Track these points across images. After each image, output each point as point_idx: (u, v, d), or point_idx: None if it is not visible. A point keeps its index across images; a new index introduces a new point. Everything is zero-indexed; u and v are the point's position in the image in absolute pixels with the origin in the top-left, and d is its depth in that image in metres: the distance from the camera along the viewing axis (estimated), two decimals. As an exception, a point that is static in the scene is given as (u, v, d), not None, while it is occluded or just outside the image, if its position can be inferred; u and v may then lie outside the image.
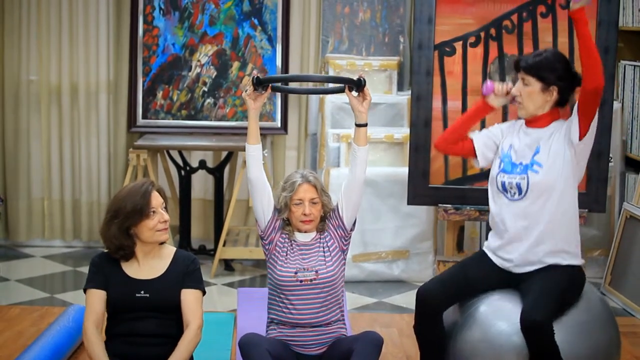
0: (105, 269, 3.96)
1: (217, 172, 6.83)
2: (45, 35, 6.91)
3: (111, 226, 3.91)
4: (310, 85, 6.59)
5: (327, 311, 4.12)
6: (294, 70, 6.95)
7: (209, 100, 6.78)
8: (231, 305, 5.67)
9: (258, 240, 6.40)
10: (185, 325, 3.93)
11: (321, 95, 6.75)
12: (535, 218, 4.07)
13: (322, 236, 4.18)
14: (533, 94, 4.09)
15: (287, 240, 4.15)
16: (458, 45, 5.48)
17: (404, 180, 5.73)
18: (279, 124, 6.78)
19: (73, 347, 4.81)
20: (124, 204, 3.90)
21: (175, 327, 3.95)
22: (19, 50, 6.92)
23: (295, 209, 4.10)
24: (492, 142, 4.29)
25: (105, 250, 3.99)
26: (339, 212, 4.16)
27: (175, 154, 6.81)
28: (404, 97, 6.72)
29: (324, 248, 4.15)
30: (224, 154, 6.84)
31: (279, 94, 6.77)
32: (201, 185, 7.13)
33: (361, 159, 4.10)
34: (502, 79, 5.43)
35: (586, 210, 5.37)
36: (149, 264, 3.99)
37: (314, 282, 4.07)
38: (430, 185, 5.51)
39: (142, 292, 3.92)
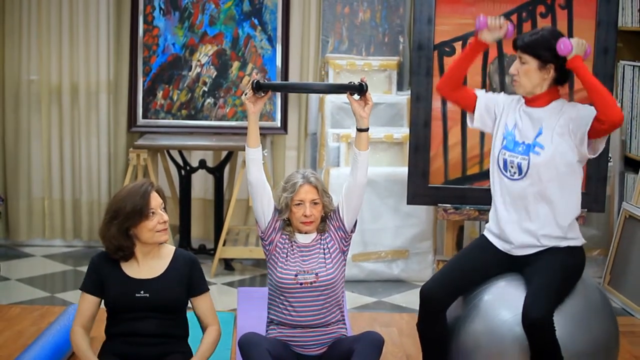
0: (104, 270, 3.97)
1: (217, 172, 6.84)
2: (45, 35, 6.92)
3: (110, 227, 3.91)
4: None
5: (327, 312, 4.12)
6: (293, 70, 6.96)
7: (209, 100, 6.79)
8: (231, 305, 5.68)
9: (258, 240, 6.41)
10: (203, 328, 4.02)
11: (321, 95, 6.75)
12: (534, 200, 4.06)
13: (322, 237, 4.17)
14: (530, 72, 4.07)
15: (287, 241, 4.15)
16: (458, 46, 5.49)
17: (403, 180, 5.74)
18: (278, 124, 6.79)
19: (73, 346, 4.82)
20: (123, 205, 3.90)
21: (175, 326, 3.96)
22: (19, 50, 6.93)
23: (295, 209, 4.10)
24: (492, 109, 4.26)
25: (104, 250, 4.01)
26: (339, 214, 4.16)
27: (175, 154, 6.82)
28: (404, 97, 6.73)
29: (324, 250, 4.15)
30: (224, 153, 6.85)
31: (278, 96, 6.78)
32: (201, 184, 7.14)
33: (362, 164, 4.09)
34: (502, 79, 5.44)
35: (585, 210, 5.38)
36: (149, 264, 3.99)
37: (314, 284, 4.07)
38: (429, 185, 5.52)
39: (142, 292, 3.92)
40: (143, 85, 6.77)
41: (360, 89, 4.04)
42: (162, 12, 6.75)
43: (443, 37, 5.48)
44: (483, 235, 4.27)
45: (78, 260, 6.82)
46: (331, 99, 6.67)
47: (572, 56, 3.97)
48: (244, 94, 4.06)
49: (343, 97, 6.72)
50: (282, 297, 4.10)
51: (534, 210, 4.08)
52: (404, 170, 5.75)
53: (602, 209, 5.53)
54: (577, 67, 3.97)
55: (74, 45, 6.95)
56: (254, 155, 4.07)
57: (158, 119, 6.81)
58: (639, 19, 6.21)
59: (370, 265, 6.40)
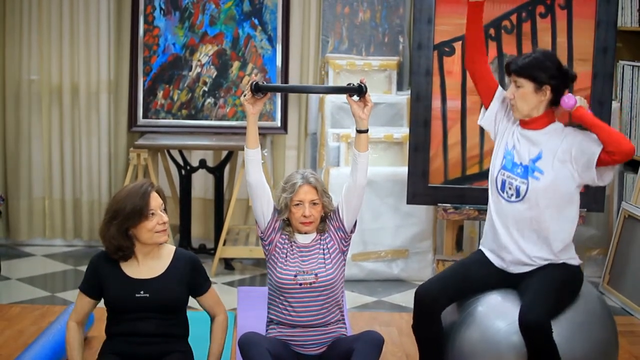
0: (104, 270, 3.97)
1: (217, 172, 6.85)
2: (46, 35, 6.93)
3: (110, 227, 3.92)
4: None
5: (327, 312, 4.12)
6: (294, 70, 6.96)
7: (209, 100, 6.80)
8: (231, 304, 5.68)
9: (258, 240, 6.41)
10: (211, 318, 4.08)
11: (321, 95, 6.76)
12: (530, 223, 4.08)
13: (322, 237, 4.17)
14: (526, 95, 4.09)
15: (287, 241, 4.15)
16: (457, 46, 5.49)
17: (403, 179, 5.75)
18: (278, 124, 6.80)
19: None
20: (123, 205, 3.90)
21: (175, 326, 3.97)
22: (20, 49, 6.94)
23: (295, 210, 4.09)
24: (502, 116, 4.28)
25: (105, 250, 4.02)
26: (339, 214, 4.16)
27: (175, 154, 6.83)
28: (404, 97, 6.74)
29: (323, 250, 4.15)
30: (224, 153, 6.86)
31: (278, 95, 6.79)
32: (201, 184, 7.15)
33: (362, 165, 4.09)
34: (502, 79, 5.45)
35: (585, 209, 5.39)
36: (149, 264, 4.00)
37: (313, 285, 4.08)
38: (429, 185, 5.53)
39: (142, 292, 3.93)
40: (143, 85, 6.78)
41: (359, 91, 4.04)
42: (162, 12, 6.76)
43: (443, 37, 5.49)
44: (480, 250, 4.29)
45: (78, 259, 6.83)
46: (331, 99, 6.67)
47: (576, 108, 4.03)
48: (242, 95, 4.05)
49: (343, 97, 6.73)
50: (281, 297, 4.11)
51: (529, 234, 4.10)
52: (404, 170, 5.76)
53: (601, 208, 5.54)
54: (583, 115, 4.02)
55: (74, 45, 6.96)
56: (253, 157, 4.07)
57: (158, 118, 6.82)
58: (638, 19, 6.22)
59: (370, 264, 6.41)
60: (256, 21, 6.78)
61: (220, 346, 4.05)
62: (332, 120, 6.68)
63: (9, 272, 6.47)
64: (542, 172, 4.06)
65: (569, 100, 4.06)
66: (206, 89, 6.80)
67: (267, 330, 4.19)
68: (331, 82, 6.79)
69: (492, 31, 5.46)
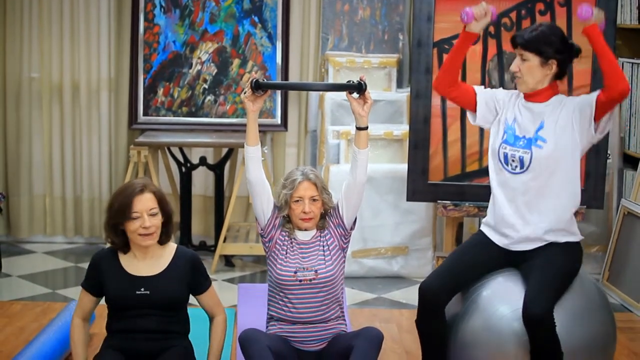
0: (105, 267, 3.98)
1: (217, 169, 6.86)
2: (46, 33, 6.94)
3: (106, 219, 3.98)
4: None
5: (327, 309, 4.13)
6: (293, 67, 6.97)
7: (210, 98, 6.81)
8: (231, 301, 5.69)
9: (258, 237, 6.42)
10: (210, 318, 4.08)
11: (321, 93, 6.77)
12: (536, 194, 4.07)
13: (322, 234, 4.18)
14: (532, 69, 4.08)
15: (287, 238, 4.16)
16: (457, 43, 5.50)
17: (403, 176, 5.76)
18: (278, 121, 6.81)
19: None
20: (114, 202, 3.95)
21: (175, 323, 3.98)
22: (20, 47, 6.95)
23: (295, 206, 4.10)
24: (493, 105, 4.27)
25: (107, 247, 4.03)
26: (339, 211, 4.16)
27: (176, 151, 6.84)
28: (403, 95, 6.75)
29: (323, 247, 4.15)
30: (225, 150, 6.87)
31: (278, 93, 6.80)
32: (202, 181, 7.15)
33: (362, 162, 4.10)
34: (501, 76, 5.46)
35: (584, 206, 5.40)
36: (150, 262, 4.01)
37: (313, 281, 4.09)
38: (429, 182, 5.54)
39: (143, 289, 3.94)
40: (144, 83, 6.79)
41: (359, 88, 4.04)
42: (162, 9, 6.77)
43: (442, 34, 5.49)
44: (481, 231, 4.28)
45: (79, 256, 6.84)
46: (331, 96, 6.68)
47: (591, 23, 3.96)
48: (243, 93, 4.06)
49: (343, 95, 6.73)
50: (281, 294, 4.12)
51: (536, 203, 4.08)
52: (404, 167, 5.76)
53: (600, 205, 5.55)
54: (594, 34, 3.95)
55: (74, 43, 6.97)
56: (253, 154, 4.07)
57: (159, 116, 6.83)
58: (637, 17, 6.23)
59: (370, 261, 6.42)
60: (256, 19, 6.79)
61: (220, 345, 4.06)
62: (332, 118, 6.69)
63: (10, 269, 6.49)
64: (544, 141, 4.05)
65: (586, 11, 3.96)
66: (206, 87, 6.81)
67: (267, 327, 4.20)
68: (331, 80, 6.81)
69: (491, 28, 5.47)
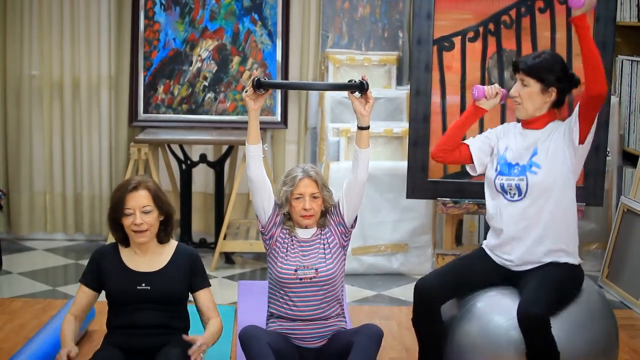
0: (106, 263, 4.01)
1: (217, 166, 6.87)
2: (47, 31, 6.95)
3: (107, 213, 4.04)
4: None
5: (327, 307, 4.14)
6: (293, 65, 6.98)
7: (210, 95, 6.82)
8: (232, 298, 5.70)
9: (258, 234, 6.44)
10: (204, 322, 4.03)
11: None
12: (535, 219, 4.09)
13: (322, 232, 4.18)
14: (533, 95, 4.11)
15: (287, 235, 4.17)
16: (457, 41, 5.51)
17: (403, 174, 5.76)
18: (279, 118, 6.81)
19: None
20: (112, 197, 4.02)
21: (175, 319, 3.99)
22: (21, 45, 6.96)
23: (295, 203, 4.10)
24: (487, 146, 4.31)
25: (107, 243, 4.05)
26: (339, 210, 4.17)
27: (176, 148, 6.85)
28: (403, 92, 6.75)
29: (324, 245, 4.16)
30: (225, 148, 6.87)
31: (278, 90, 6.80)
32: (202, 179, 7.16)
33: (363, 161, 4.10)
34: (501, 74, 5.46)
35: (584, 204, 5.40)
36: (150, 257, 4.03)
37: (313, 280, 4.09)
38: (429, 179, 5.54)
39: (143, 284, 3.96)
40: (144, 80, 6.80)
41: (361, 87, 4.03)
42: (162, 7, 6.78)
43: (442, 32, 5.50)
44: (482, 248, 4.31)
45: (79, 254, 6.85)
46: (331, 93, 6.68)
47: (581, 12, 3.94)
48: (244, 91, 4.05)
49: (343, 92, 6.75)
50: (282, 292, 4.12)
51: (535, 228, 4.11)
52: (404, 164, 5.77)
53: (600, 203, 5.55)
54: (582, 26, 3.93)
55: (75, 40, 6.98)
56: (254, 152, 4.07)
57: (159, 113, 6.84)
58: (637, 14, 6.23)
59: (369, 258, 6.43)
60: (256, 16, 6.79)
61: (213, 335, 3.97)
62: (332, 115, 6.70)
63: (10, 266, 6.50)
64: (539, 167, 4.08)
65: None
66: (206, 84, 6.82)
67: (267, 324, 4.20)
68: (331, 77, 6.81)
69: (491, 26, 5.47)
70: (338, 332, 4.15)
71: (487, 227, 4.40)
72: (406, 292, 6.08)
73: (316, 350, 4.13)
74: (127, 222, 3.93)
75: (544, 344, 3.87)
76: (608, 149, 5.82)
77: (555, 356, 3.89)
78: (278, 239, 4.17)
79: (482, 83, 5.40)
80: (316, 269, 4.09)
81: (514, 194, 4.13)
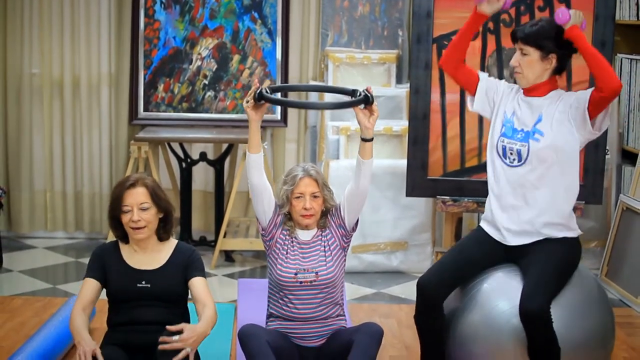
0: (106, 260, 4.03)
1: (217, 164, 6.87)
2: (47, 29, 6.95)
3: (108, 210, 4.07)
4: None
5: (327, 308, 4.14)
6: (293, 63, 6.98)
7: (210, 93, 6.83)
8: (231, 296, 5.71)
9: (258, 232, 6.44)
10: (201, 308, 3.96)
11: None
12: (533, 187, 4.07)
13: (323, 234, 4.18)
14: (532, 63, 4.09)
15: (287, 237, 4.16)
16: (456, 39, 5.51)
17: (402, 172, 5.78)
18: (278, 117, 6.82)
19: (75, 337, 4.86)
20: (111, 194, 4.06)
21: (175, 316, 4.00)
22: (21, 43, 6.96)
23: (296, 202, 4.10)
24: (492, 95, 4.28)
25: (107, 241, 4.06)
26: (341, 213, 4.16)
27: (176, 146, 6.85)
28: (403, 90, 6.76)
29: (324, 246, 4.15)
30: (225, 146, 6.88)
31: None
32: (202, 177, 7.17)
33: (366, 172, 4.07)
34: (500, 72, 5.47)
35: (583, 202, 5.42)
36: (150, 255, 4.05)
37: (313, 283, 4.09)
38: (428, 177, 5.55)
39: (144, 282, 3.98)
40: (144, 79, 6.80)
41: (365, 101, 3.99)
42: (163, 5, 6.78)
43: (442, 30, 5.51)
44: (480, 226, 4.30)
45: (80, 252, 6.86)
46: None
47: (569, 25, 3.98)
48: (245, 101, 4.01)
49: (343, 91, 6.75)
50: (281, 293, 4.12)
51: (533, 196, 4.09)
52: (403, 162, 5.78)
53: (599, 201, 5.56)
54: (576, 36, 3.98)
55: (75, 38, 6.98)
56: (255, 161, 4.05)
57: (159, 111, 6.84)
58: (636, 13, 6.24)
59: (369, 256, 6.44)
60: (256, 15, 6.80)
61: (207, 324, 3.91)
62: (332, 114, 6.70)
63: (11, 264, 6.51)
64: (542, 134, 4.06)
65: (563, 15, 3.98)
66: (206, 82, 6.82)
67: (266, 323, 4.21)
68: (331, 76, 6.81)
69: (490, 24, 5.48)
70: (338, 330, 4.15)
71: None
72: (406, 290, 6.09)
73: (316, 349, 4.14)
74: (125, 218, 3.96)
75: (545, 339, 3.88)
76: (607, 147, 5.83)
77: (555, 351, 3.91)
78: (278, 240, 4.16)
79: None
80: (316, 273, 4.09)
81: (514, 159, 4.12)
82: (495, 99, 4.28)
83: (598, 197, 5.51)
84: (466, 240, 4.33)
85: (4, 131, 7.07)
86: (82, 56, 6.99)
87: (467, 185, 5.52)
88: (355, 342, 3.93)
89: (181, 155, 6.83)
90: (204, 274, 4.08)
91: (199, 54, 6.80)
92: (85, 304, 3.99)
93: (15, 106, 7.01)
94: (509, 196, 4.14)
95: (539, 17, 4.36)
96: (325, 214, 4.20)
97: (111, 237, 4.33)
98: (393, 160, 6.43)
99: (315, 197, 4.11)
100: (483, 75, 4.34)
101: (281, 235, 4.16)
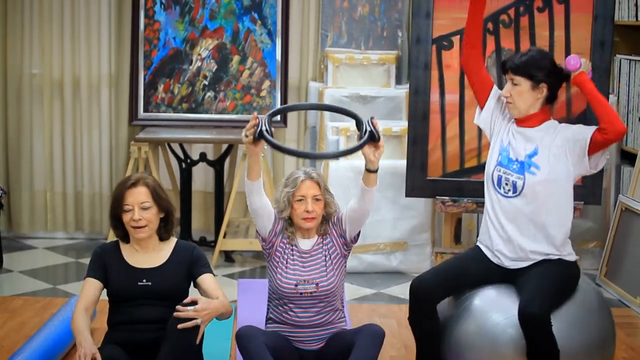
0: (107, 259, 4.04)
1: (217, 165, 6.88)
2: (47, 30, 6.96)
3: (109, 209, 4.09)
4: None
5: (327, 315, 4.14)
6: (293, 64, 6.99)
7: (210, 94, 6.83)
8: (231, 296, 5.70)
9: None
10: None
11: (320, 88, 6.78)
12: (529, 219, 4.12)
13: (324, 241, 4.16)
14: (524, 93, 4.14)
15: (287, 245, 4.13)
16: (456, 40, 5.50)
17: (402, 172, 5.78)
18: (278, 117, 6.82)
19: (75, 337, 4.87)
20: (113, 193, 4.09)
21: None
22: (21, 44, 6.97)
23: (297, 205, 4.06)
24: (498, 115, 4.33)
25: (107, 241, 4.08)
26: (342, 224, 4.14)
27: (176, 147, 6.86)
28: (402, 91, 6.77)
29: (325, 255, 4.13)
30: (225, 146, 6.89)
31: (278, 89, 6.82)
32: (202, 177, 7.18)
33: (369, 198, 4.04)
34: (499, 74, 5.48)
35: (582, 202, 5.42)
36: (151, 254, 4.06)
37: (314, 294, 4.08)
38: (428, 178, 5.55)
39: (144, 280, 3.99)
40: (144, 79, 6.81)
41: (372, 139, 3.90)
42: (162, 6, 6.79)
43: (441, 31, 5.50)
44: (477, 246, 4.32)
45: (80, 252, 6.87)
46: (330, 92, 6.70)
47: (578, 72, 4.09)
48: (244, 136, 3.90)
49: (343, 91, 6.78)
50: (281, 301, 4.12)
51: (526, 228, 4.13)
52: (403, 163, 5.78)
53: (598, 201, 5.56)
54: (584, 81, 4.11)
55: (75, 39, 7.00)
56: (254, 187, 3.99)
57: (159, 112, 6.85)
58: (635, 13, 6.25)
59: (369, 257, 6.44)
60: (256, 15, 6.81)
61: (222, 304, 3.96)
62: (331, 114, 6.69)
63: (11, 264, 6.51)
64: (538, 168, 4.10)
65: (574, 62, 4.11)
66: (206, 83, 6.83)
67: (266, 326, 4.20)
68: (330, 77, 6.82)
69: (490, 25, 5.47)
70: (339, 332, 4.15)
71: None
72: (405, 290, 6.02)
73: (316, 351, 4.13)
74: (126, 218, 3.98)
75: (544, 343, 3.89)
76: (606, 148, 5.83)
77: (555, 354, 3.92)
78: (278, 248, 4.13)
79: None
80: (317, 284, 4.08)
81: (509, 189, 4.15)
82: (499, 122, 4.32)
83: (597, 197, 5.51)
84: (464, 255, 4.37)
85: (4, 131, 7.08)
86: (82, 57, 7.00)
87: (466, 185, 5.52)
88: (357, 343, 3.93)
89: (181, 155, 6.84)
90: (210, 270, 4.11)
91: (199, 54, 6.81)
92: (87, 304, 4.00)
93: (15, 106, 7.02)
94: (504, 225, 4.18)
95: (529, 48, 4.42)
96: (326, 219, 4.17)
97: (111, 238, 4.34)
98: (392, 161, 6.43)
99: (317, 199, 4.08)
100: (495, 92, 4.37)
101: (281, 244, 4.13)
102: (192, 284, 4.15)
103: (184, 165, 6.84)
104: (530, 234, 4.13)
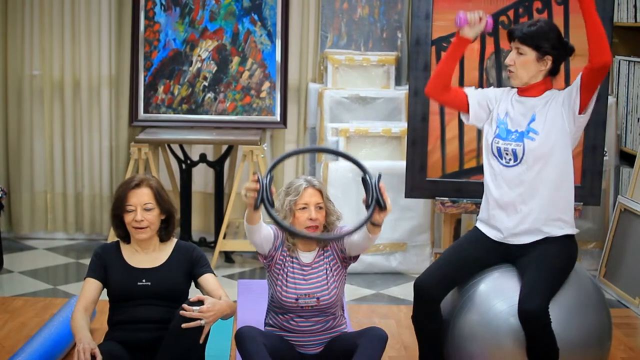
0: (107, 260, 4.06)
1: (217, 166, 6.89)
2: (47, 31, 6.97)
3: (110, 209, 4.11)
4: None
5: (328, 323, 4.13)
6: (293, 65, 7.00)
7: (210, 95, 6.85)
8: (231, 297, 5.69)
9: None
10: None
11: (320, 89, 6.78)
12: (531, 185, 4.09)
13: (325, 254, 4.13)
14: (528, 63, 4.10)
15: (287, 257, 4.09)
16: (455, 41, 5.53)
17: (401, 173, 5.79)
18: (278, 118, 6.83)
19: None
20: (115, 193, 4.09)
21: (174, 313, 4.03)
22: (22, 45, 6.98)
23: (299, 214, 4.01)
24: (485, 104, 4.29)
25: (108, 242, 4.09)
26: (343, 244, 4.09)
27: (176, 148, 6.87)
28: (402, 92, 6.77)
29: (326, 269, 4.10)
30: (224, 147, 6.89)
31: (278, 90, 6.84)
32: (202, 178, 7.18)
33: (371, 241, 3.98)
34: (499, 74, 5.49)
35: (581, 203, 5.43)
36: (151, 255, 4.08)
37: (314, 307, 4.06)
38: (427, 179, 5.56)
39: (144, 280, 4.00)
40: (144, 80, 6.82)
41: (380, 208, 3.77)
42: (163, 7, 6.81)
43: (440, 32, 5.52)
44: (476, 227, 4.31)
45: (80, 253, 6.88)
46: (330, 93, 6.70)
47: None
48: (244, 194, 3.78)
49: (343, 93, 6.79)
50: (282, 310, 4.10)
51: (532, 194, 4.10)
52: (402, 164, 5.79)
53: (597, 202, 5.57)
54: (587, 1, 3.94)
55: (75, 40, 7.00)
56: (255, 228, 3.93)
57: (159, 113, 6.86)
58: (634, 15, 6.26)
59: (368, 257, 6.45)
60: (256, 17, 6.82)
61: (228, 305, 3.98)
62: (331, 115, 6.71)
63: (12, 265, 6.52)
64: (536, 133, 4.07)
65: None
66: (206, 84, 6.85)
67: (265, 328, 4.19)
68: (330, 78, 6.83)
69: (489, 26, 5.49)
70: (340, 334, 4.14)
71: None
72: (405, 291, 6.10)
73: (318, 354, 4.12)
74: (128, 218, 3.99)
75: (543, 339, 3.89)
76: (605, 149, 5.84)
77: (554, 351, 3.92)
78: (278, 260, 4.10)
79: (481, 84, 5.42)
80: (318, 298, 4.05)
81: (510, 159, 4.12)
82: (489, 105, 4.30)
83: (596, 198, 5.52)
84: (462, 240, 4.34)
85: (5, 132, 7.08)
86: (82, 58, 7.00)
87: (465, 186, 5.53)
88: (360, 346, 3.92)
89: (181, 156, 6.85)
90: (211, 270, 4.13)
91: (199, 55, 6.82)
92: (87, 304, 4.02)
93: (15, 107, 7.02)
94: (508, 196, 4.15)
95: (537, 18, 4.36)
96: (327, 229, 4.11)
97: (111, 238, 4.36)
98: (392, 162, 6.44)
99: (319, 208, 4.04)
100: (469, 90, 4.36)
101: (281, 256, 4.10)
102: (193, 284, 4.16)
103: (184, 166, 6.85)
104: (535, 201, 4.08)
